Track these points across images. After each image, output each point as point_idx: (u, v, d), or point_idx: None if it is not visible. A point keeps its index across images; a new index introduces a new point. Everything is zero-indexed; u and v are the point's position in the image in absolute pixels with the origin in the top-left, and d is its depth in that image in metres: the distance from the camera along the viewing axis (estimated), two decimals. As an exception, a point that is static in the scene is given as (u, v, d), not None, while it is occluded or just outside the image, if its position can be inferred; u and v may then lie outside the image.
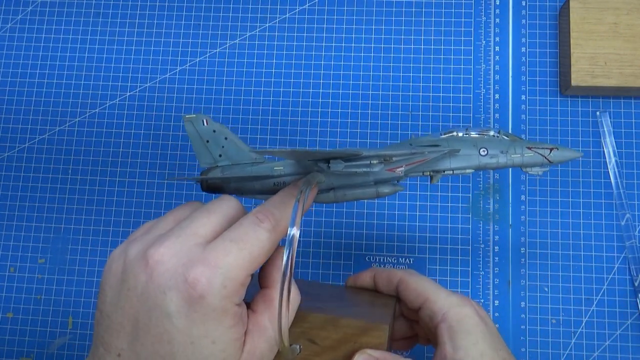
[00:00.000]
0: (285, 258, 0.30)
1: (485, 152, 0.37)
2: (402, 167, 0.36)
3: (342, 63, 0.59)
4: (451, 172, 0.37)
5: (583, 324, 0.52)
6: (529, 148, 0.37)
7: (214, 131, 0.40)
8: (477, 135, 0.38)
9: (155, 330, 0.29)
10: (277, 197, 0.33)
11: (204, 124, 0.40)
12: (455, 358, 0.35)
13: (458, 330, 0.36)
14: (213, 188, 0.40)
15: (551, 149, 0.37)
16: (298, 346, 0.35)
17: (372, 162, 0.34)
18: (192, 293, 0.28)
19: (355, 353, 0.34)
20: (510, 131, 0.56)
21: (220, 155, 0.40)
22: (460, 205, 0.55)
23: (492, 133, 0.38)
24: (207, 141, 0.40)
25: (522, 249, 0.54)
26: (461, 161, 0.37)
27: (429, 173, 0.38)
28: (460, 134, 0.38)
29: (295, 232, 0.30)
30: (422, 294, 0.39)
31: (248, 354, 0.31)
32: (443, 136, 0.38)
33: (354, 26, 0.60)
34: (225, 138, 0.40)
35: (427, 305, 0.38)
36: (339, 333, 0.35)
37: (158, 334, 0.29)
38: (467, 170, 0.37)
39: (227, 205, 0.32)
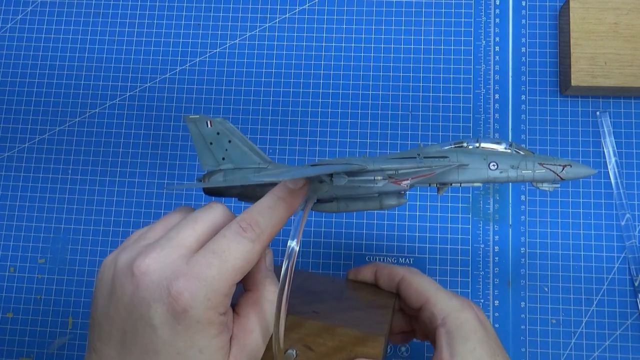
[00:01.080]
0: (283, 270, 0.30)
1: (495, 166, 0.36)
2: (407, 180, 0.35)
3: (342, 63, 0.59)
4: (459, 184, 0.37)
5: (583, 324, 0.52)
6: (541, 164, 0.36)
7: (218, 133, 0.39)
8: (487, 147, 0.37)
9: (142, 341, 0.29)
10: (263, 201, 0.32)
11: (207, 126, 0.39)
12: None
13: (456, 336, 0.36)
14: (215, 193, 0.40)
15: (564, 166, 0.35)
16: (294, 351, 0.35)
17: (376, 178, 0.34)
18: (175, 306, 0.28)
19: None
20: (510, 131, 0.56)
21: (223, 159, 0.39)
22: (460, 205, 0.55)
23: (503, 146, 0.37)
24: (211, 143, 0.39)
25: (522, 249, 0.54)
26: (470, 175, 0.36)
27: (435, 184, 0.37)
28: (471, 146, 0.37)
29: (295, 246, 0.31)
30: (423, 295, 0.39)
31: (234, 358, 0.31)
32: (452, 146, 0.37)
33: (354, 26, 0.60)
34: (229, 141, 0.39)
35: (427, 307, 0.39)
36: (335, 341, 0.35)
37: (144, 344, 0.29)
38: (475, 184, 0.37)
39: (214, 213, 0.32)
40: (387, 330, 0.37)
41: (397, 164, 0.35)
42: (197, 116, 0.39)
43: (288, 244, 0.31)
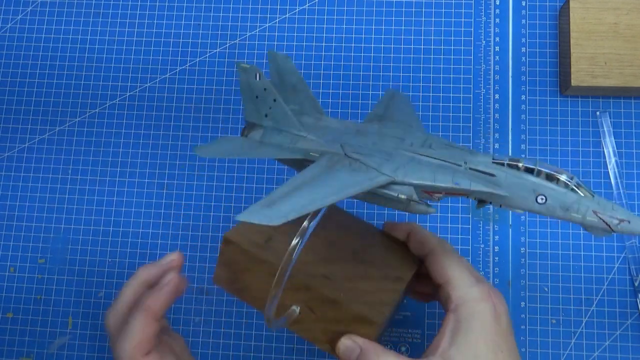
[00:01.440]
0: (291, 247, 0.32)
1: (544, 200, 0.33)
2: (441, 194, 0.34)
3: (342, 63, 0.59)
4: (498, 206, 0.34)
5: (583, 324, 0.52)
6: (596, 213, 0.32)
7: (265, 89, 0.38)
8: (541, 175, 0.33)
9: None
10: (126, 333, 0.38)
11: (256, 78, 0.38)
12: (447, 352, 0.35)
13: (463, 327, 0.36)
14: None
15: (621, 221, 0.32)
16: (298, 309, 0.36)
17: (400, 195, 0.33)
18: None
19: (344, 335, 0.36)
20: (510, 131, 0.56)
21: (266, 115, 0.39)
22: (460, 205, 0.55)
23: (563, 178, 0.32)
24: (257, 97, 0.39)
25: (522, 249, 0.54)
26: (513, 202, 0.33)
27: (474, 198, 0.35)
28: (525, 168, 0.33)
29: (307, 225, 0.32)
30: (445, 275, 0.38)
31: None
32: (506, 162, 0.34)
33: (354, 26, 0.60)
34: (274, 100, 0.38)
35: (446, 288, 0.38)
36: (336, 313, 0.36)
37: None
38: (517, 210, 0.34)
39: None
40: (389, 314, 0.38)
41: (431, 181, 0.33)
42: (249, 66, 0.38)
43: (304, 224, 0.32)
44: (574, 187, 0.32)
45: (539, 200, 0.32)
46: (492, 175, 0.33)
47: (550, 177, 0.32)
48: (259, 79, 0.38)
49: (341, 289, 0.37)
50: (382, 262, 0.41)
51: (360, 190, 0.32)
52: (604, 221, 0.32)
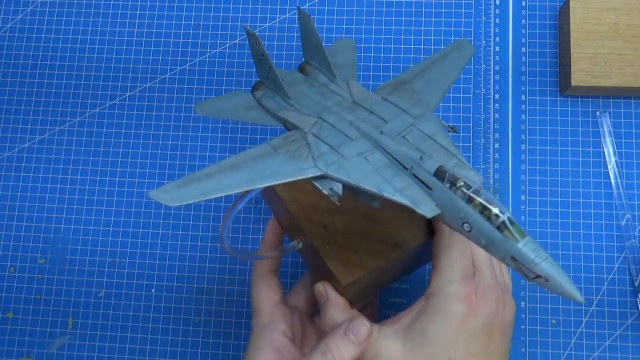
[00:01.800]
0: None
1: (469, 229, 0.31)
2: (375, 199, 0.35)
3: (342, 63, 0.59)
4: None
5: (583, 324, 0.52)
6: (514, 259, 0.30)
7: (263, 55, 0.41)
8: (473, 203, 0.31)
9: None
10: None
11: (256, 45, 0.41)
12: (400, 331, 0.37)
13: (426, 315, 0.36)
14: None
15: (537, 276, 0.30)
16: (300, 243, 0.41)
17: (324, 189, 0.33)
18: None
19: (323, 280, 0.40)
20: (510, 131, 0.56)
21: (267, 78, 0.42)
22: (460, 205, 0.55)
23: (494, 212, 0.30)
24: (259, 60, 0.42)
25: (522, 249, 0.54)
26: (444, 219, 0.32)
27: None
28: (462, 190, 0.31)
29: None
30: (435, 260, 0.38)
31: None
32: (446, 177, 0.32)
33: (354, 26, 0.60)
34: (270, 67, 0.40)
35: (432, 273, 0.38)
36: (318, 261, 0.39)
37: None
38: (452, 228, 0.33)
39: None
40: (361, 279, 0.38)
41: (357, 181, 0.33)
42: (252, 32, 0.41)
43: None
44: (502, 225, 0.30)
45: (465, 227, 0.31)
46: (429, 188, 0.32)
47: (483, 208, 0.30)
48: (258, 46, 0.41)
49: (330, 242, 0.39)
50: (391, 224, 0.40)
51: (282, 181, 0.33)
52: (520, 270, 0.30)
